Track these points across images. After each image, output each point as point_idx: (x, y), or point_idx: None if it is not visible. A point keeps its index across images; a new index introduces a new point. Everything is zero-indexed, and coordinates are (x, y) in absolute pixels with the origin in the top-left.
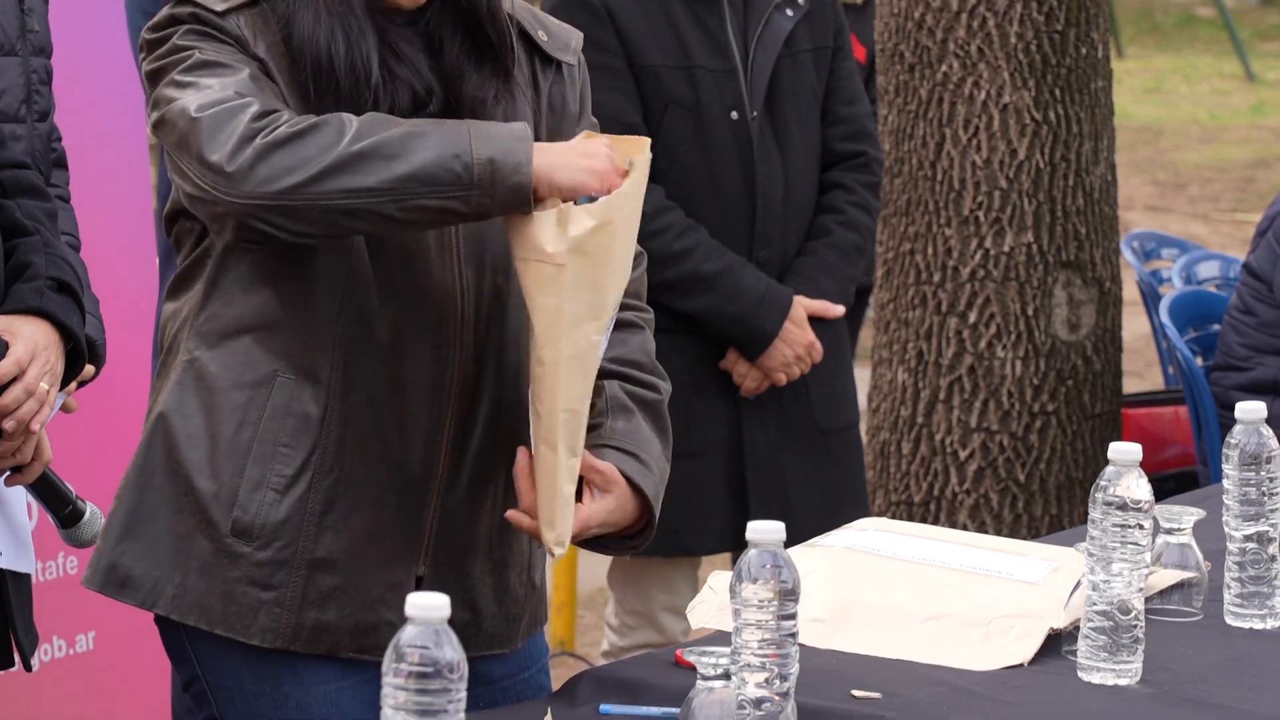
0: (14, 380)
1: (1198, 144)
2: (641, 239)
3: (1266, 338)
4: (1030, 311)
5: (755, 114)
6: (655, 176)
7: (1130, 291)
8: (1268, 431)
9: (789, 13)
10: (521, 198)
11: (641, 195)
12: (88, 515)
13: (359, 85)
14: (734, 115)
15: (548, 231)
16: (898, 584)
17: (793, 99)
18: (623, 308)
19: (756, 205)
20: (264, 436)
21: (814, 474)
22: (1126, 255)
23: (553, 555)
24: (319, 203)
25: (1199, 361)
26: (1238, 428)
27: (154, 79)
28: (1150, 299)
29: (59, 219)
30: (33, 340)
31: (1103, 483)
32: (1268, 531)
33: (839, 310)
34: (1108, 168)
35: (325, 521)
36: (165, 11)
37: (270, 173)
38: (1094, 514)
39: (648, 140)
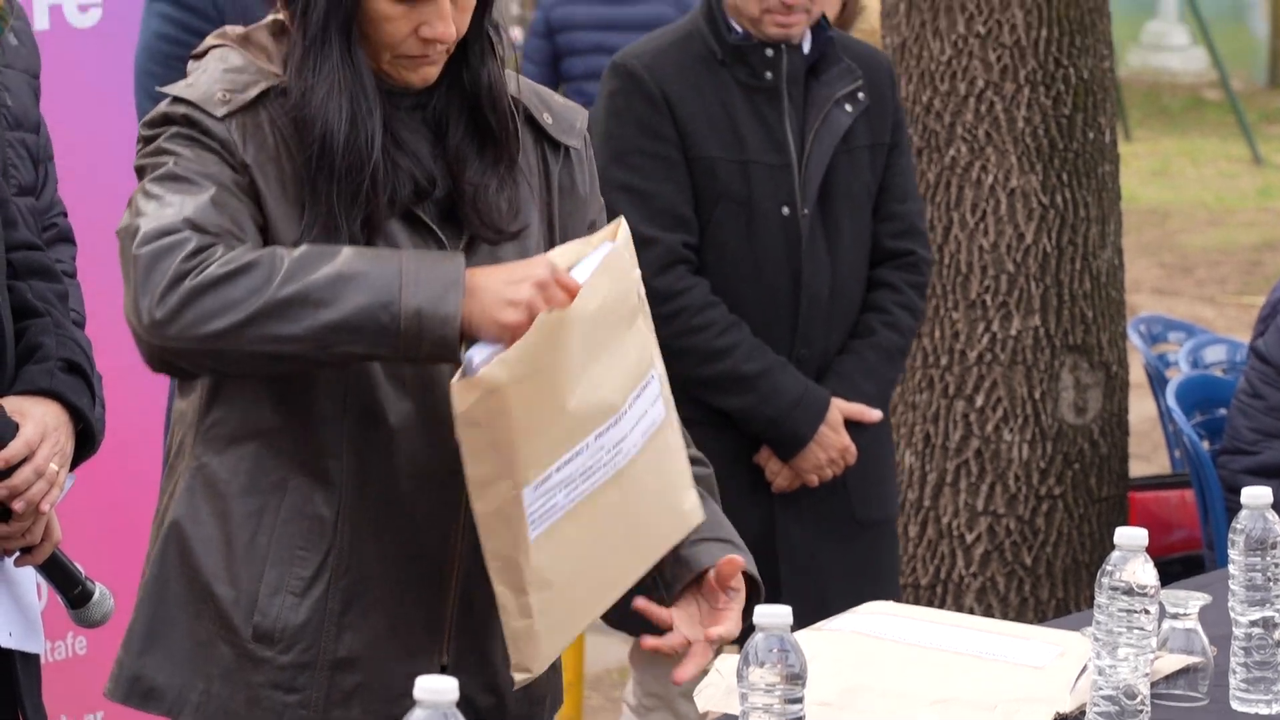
0: (24, 461)
1: (1205, 227)
2: (684, 334)
3: (1275, 422)
4: (1037, 395)
5: (807, 211)
6: (703, 269)
7: (1137, 375)
8: (1273, 517)
9: (848, 108)
10: (449, 349)
11: (557, 347)
12: (97, 595)
13: (358, 164)
14: (785, 211)
15: (453, 400)
16: (904, 668)
17: (846, 196)
18: None
19: (801, 304)
20: (279, 541)
21: (851, 567)
22: (1133, 339)
23: (514, 681)
24: (244, 348)
25: (1206, 445)
26: (1244, 513)
27: (138, 175)
28: (1157, 383)
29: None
30: (43, 421)
31: (1109, 568)
32: (1273, 617)
33: (876, 415)
34: (1115, 252)
35: (345, 621)
36: (163, 107)
37: (195, 317)
38: (1100, 598)
39: (607, 247)
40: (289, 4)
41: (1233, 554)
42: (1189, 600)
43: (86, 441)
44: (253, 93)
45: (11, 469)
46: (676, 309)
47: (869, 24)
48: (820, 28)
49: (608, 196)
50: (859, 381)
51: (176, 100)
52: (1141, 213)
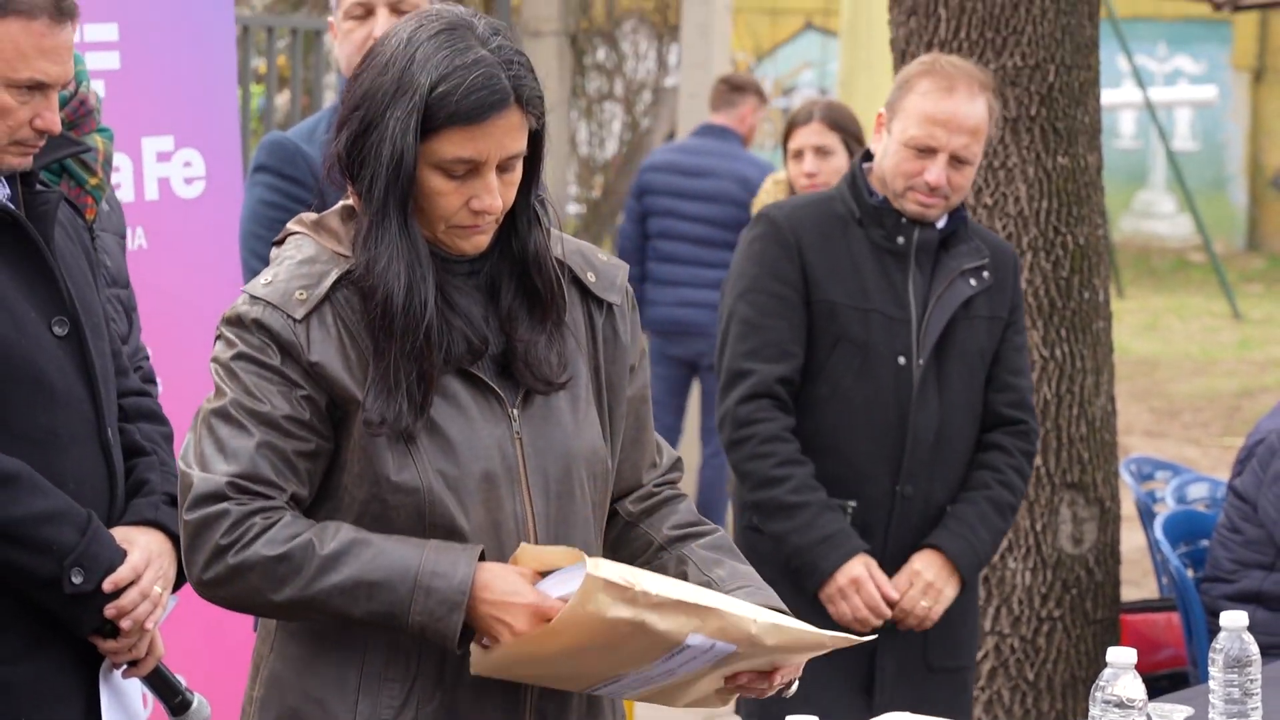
0: (131, 584)
1: (1190, 376)
2: (748, 459)
3: (1251, 554)
4: (1039, 528)
5: (921, 362)
6: (816, 403)
7: (1128, 509)
8: (1249, 638)
9: (973, 282)
10: (448, 649)
11: (534, 656)
12: (195, 704)
13: (414, 324)
14: (901, 360)
15: None
16: None
17: (960, 356)
18: (661, 485)
19: (906, 444)
20: (369, 673)
21: (917, 708)
22: (1125, 477)
23: None
24: (278, 617)
25: (1190, 573)
26: (1223, 634)
27: (212, 382)
28: (1146, 517)
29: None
30: (148, 549)
31: (1102, 683)
32: None
33: (894, 595)
34: (1108, 399)
35: None
36: (241, 306)
37: (234, 593)
38: (1094, 711)
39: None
40: (355, 184)
41: (1213, 670)
42: (1174, 712)
43: None
44: (326, 284)
45: (120, 591)
46: (746, 435)
47: None
48: (957, 209)
49: (726, 327)
50: (977, 527)
51: (255, 300)
52: (1133, 363)
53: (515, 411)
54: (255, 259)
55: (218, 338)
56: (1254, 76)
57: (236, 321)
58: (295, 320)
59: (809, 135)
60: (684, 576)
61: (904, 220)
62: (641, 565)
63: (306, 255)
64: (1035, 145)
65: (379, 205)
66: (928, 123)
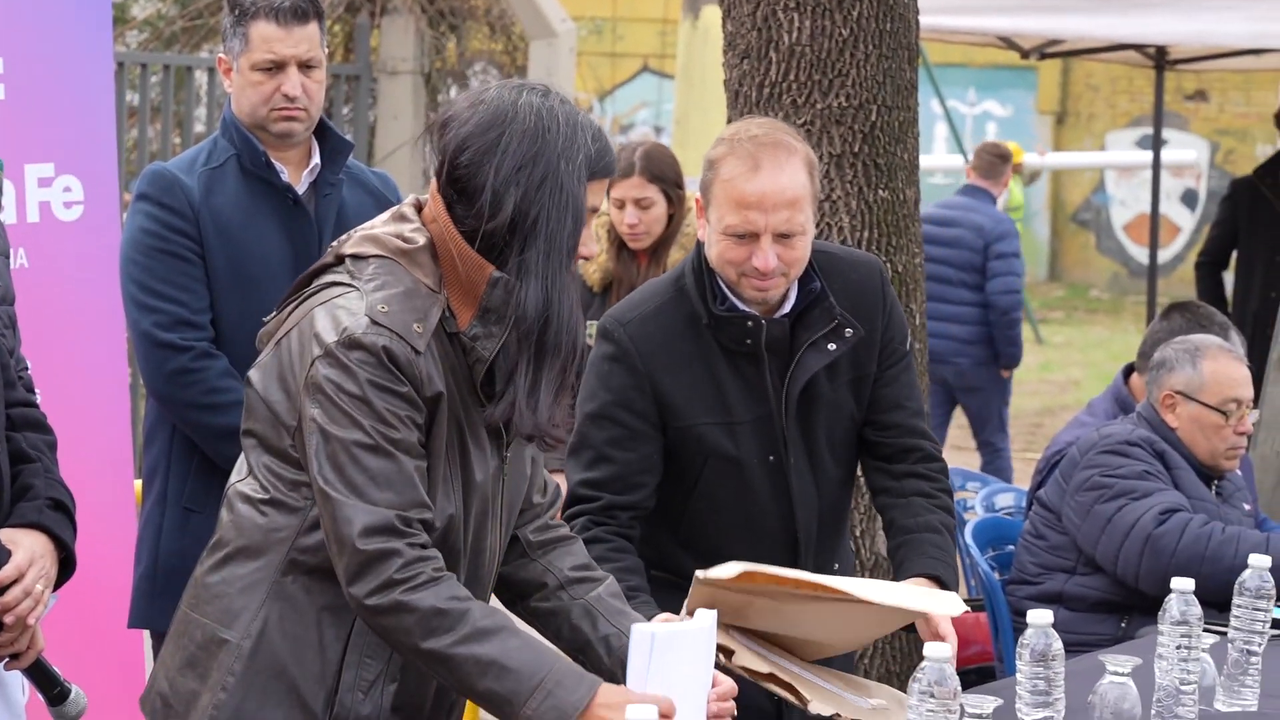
0: (14, 582)
1: None
2: None
3: (1055, 558)
4: (858, 533)
5: (793, 459)
6: (692, 515)
7: None
8: (1053, 634)
9: (831, 346)
10: None
11: None
12: (73, 695)
13: (573, 360)
14: (771, 459)
15: None
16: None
17: (829, 434)
18: (555, 520)
19: (798, 544)
20: (353, 646)
21: None
22: None
23: None
24: (409, 656)
25: (996, 576)
26: (1029, 631)
27: (324, 403)
28: (957, 524)
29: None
30: (31, 550)
31: (919, 675)
32: (1053, 717)
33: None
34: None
35: (393, 714)
36: (362, 334)
37: (389, 625)
38: (912, 700)
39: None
40: (516, 235)
41: (1020, 664)
42: (984, 703)
43: (67, 567)
44: (433, 321)
45: (3, 589)
46: None
47: (695, 225)
48: (808, 278)
49: (579, 444)
50: (949, 558)
51: (379, 328)
52: None
53: (508, 454)
54: (132, 283)
55: (329, 359)
56: (1056, 120)
57: (357, 346)
58: (417, 353)
59: (630, 189)
60: (593, 625)
61: (750, 323)
62: (539, 601)
63: (407, 287)
64: (858, 179)
65: (564, 247)
66: (740, 208)
